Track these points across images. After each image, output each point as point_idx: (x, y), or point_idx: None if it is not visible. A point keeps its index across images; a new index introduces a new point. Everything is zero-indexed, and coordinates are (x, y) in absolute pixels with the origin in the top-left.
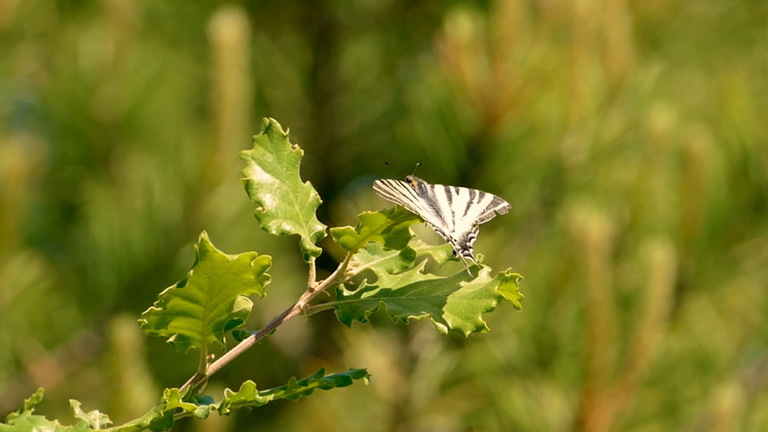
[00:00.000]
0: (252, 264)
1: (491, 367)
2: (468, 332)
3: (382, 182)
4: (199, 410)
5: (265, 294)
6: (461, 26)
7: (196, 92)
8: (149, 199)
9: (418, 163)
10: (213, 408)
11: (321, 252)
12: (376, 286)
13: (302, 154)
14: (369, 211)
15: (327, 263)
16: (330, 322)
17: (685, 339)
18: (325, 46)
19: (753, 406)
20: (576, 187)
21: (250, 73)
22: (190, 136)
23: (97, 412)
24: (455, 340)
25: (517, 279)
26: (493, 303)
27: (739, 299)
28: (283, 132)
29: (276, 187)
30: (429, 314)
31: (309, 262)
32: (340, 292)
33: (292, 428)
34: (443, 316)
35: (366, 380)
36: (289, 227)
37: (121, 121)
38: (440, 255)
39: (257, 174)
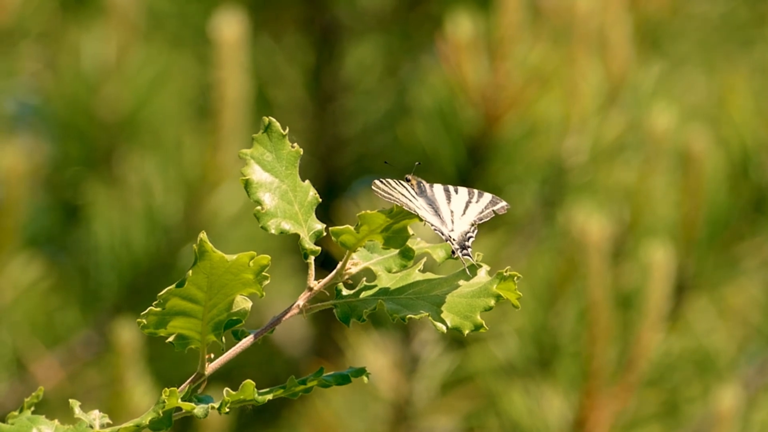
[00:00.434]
0: (251, 264)
1: (492, 367)
2: (466, 331)
3: (381, 182)
4: (198, 410)
5: (264, 294)
6: (462, 26)
7: (198, 92)
8: (150, 198)
9: (417, 163)
10: (212, 407)
11: (320, 251)
12: (375, 285)
13: (301, 153)
14: (368, 211)
15: (329, 263)
16: (332, 323)
17: (686, 339)
18: (327, 46)
19: (753, 406)
20: (576, 187)
21: (253, 74)
22: (192, 135)
23: (96, 411)
24: (456, 340)
25: (515, 278)
26: (492, 302)
27: (739, 299)
28: (282, 131)
29: (275, 186)
30: (427, 313)
31: (308, 261)
32: (338, 292)
33: (295, 428)
34: (442, 315)
35: (365, 379)
36: (288, 226)
37: (123, 121)
38: (439, 253)
39: (256, 173)
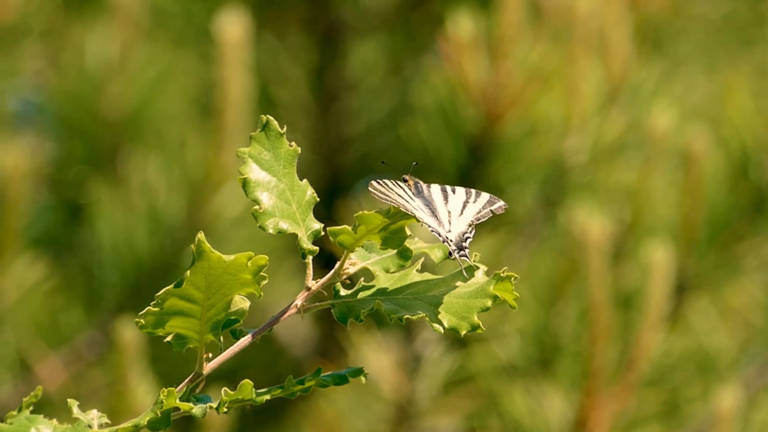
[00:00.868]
0: (249, 264)
1: (493, 367)
2: (463, 332)
3: (378, 183)
4: (196, 409)
5: (263, 294)
6: (463, 26)
7: (202, 91)
8: (154, 198)
9: (414, 163)
10: (210, 407)
11: (318, 251)
12: (373, 286)
13: (299, 151)
14: (366, 211)
15: (331, 263)
16: (335, 323)
17: (686, 339)
18: (331, 46)
19: (754, 407)
20: (577, 187)
21: (256, 73)
22: (195, 135)
23: (95, 411)
24: (458, 340)
25: (512, 279)
26: (489, 303)
27: (739, 299)
28: (280, 129)
29: (273, 186)
30: (425, 314)
31: (306, 260)
32: (336, 291)
33: (298, 428)
34: (439, 315)
35: (363, 379)
36: (285, 226)
37: (127, 120)
38: (437, 254)
39: (254, 172)
